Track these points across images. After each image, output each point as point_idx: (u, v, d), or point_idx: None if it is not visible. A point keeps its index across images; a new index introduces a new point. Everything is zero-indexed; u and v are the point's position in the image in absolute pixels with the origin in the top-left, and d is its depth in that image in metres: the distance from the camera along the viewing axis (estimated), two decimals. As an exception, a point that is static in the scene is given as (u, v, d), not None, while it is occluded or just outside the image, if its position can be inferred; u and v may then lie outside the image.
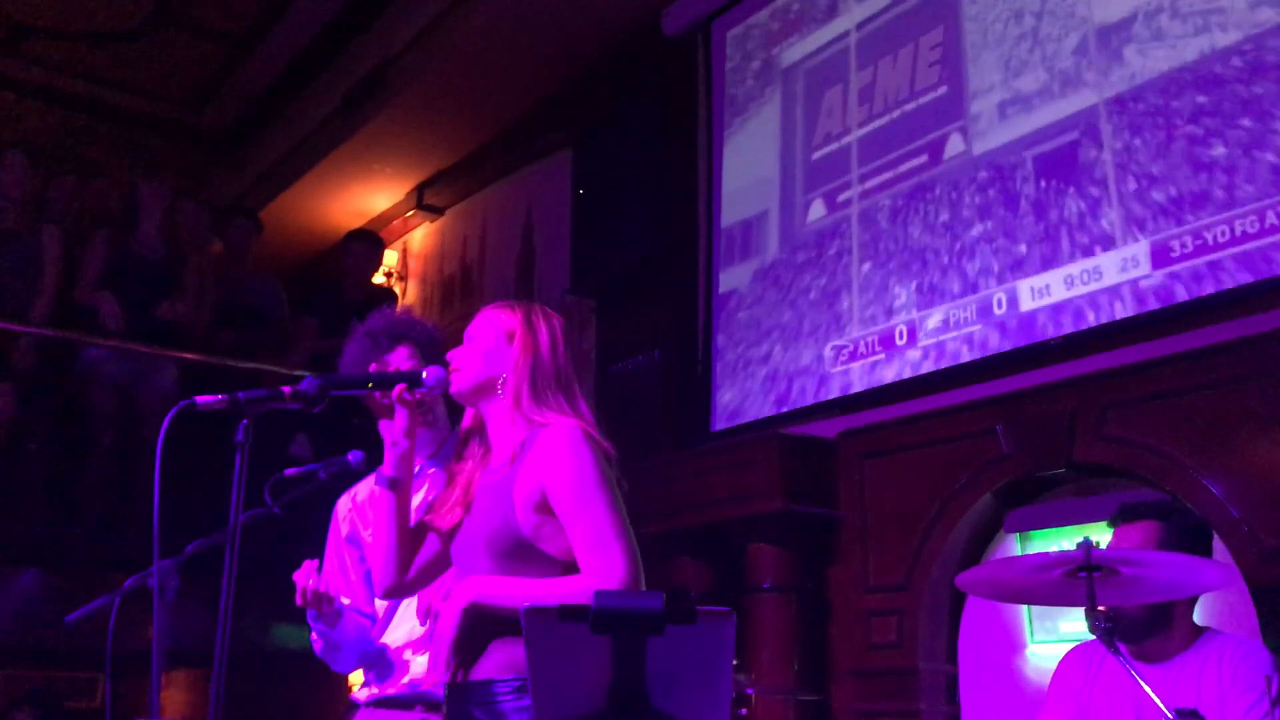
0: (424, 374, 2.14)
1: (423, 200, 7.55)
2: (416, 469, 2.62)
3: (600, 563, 1.87)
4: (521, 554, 1.95)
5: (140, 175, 5.84)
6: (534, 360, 2.07)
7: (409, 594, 2.34)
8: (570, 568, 1.93)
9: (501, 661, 1.89)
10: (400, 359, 2.58)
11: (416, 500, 2.46)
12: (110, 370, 5.30)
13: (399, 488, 2.13)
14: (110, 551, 4.70)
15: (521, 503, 1.97)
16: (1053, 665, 2.75)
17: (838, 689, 4.11)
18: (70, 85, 7.67)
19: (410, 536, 2.16)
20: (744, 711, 3.37)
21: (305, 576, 2.38)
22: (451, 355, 2.15)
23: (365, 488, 2.69)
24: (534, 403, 2.04)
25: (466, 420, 2.19)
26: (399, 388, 2.13)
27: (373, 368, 2.57)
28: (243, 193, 7.88)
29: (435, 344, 2.61)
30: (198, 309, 5.75)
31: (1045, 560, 2.25)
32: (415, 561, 2.17)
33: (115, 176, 6.84)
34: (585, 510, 1.91)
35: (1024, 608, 3.81)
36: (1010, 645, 3.83)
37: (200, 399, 2.15)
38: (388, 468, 2.14)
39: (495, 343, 2.10)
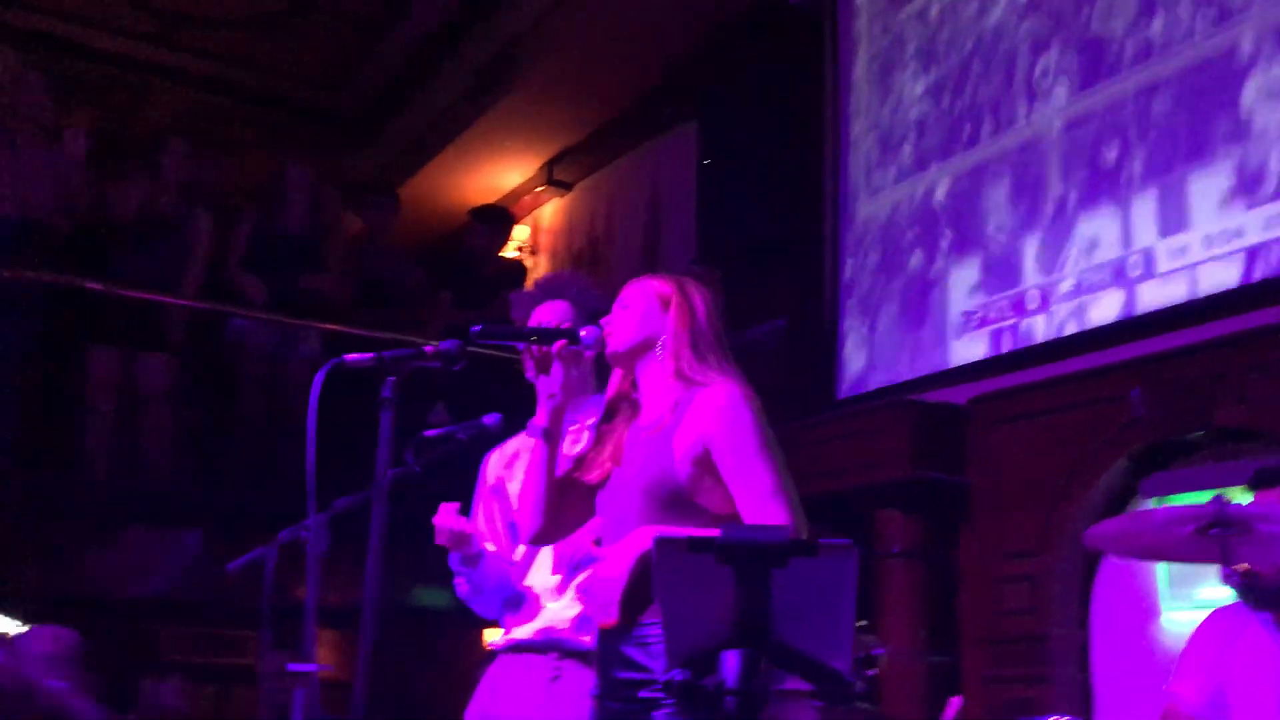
0: (581, 333, 2.23)
1: (552, 176, 7.68)
2: None
3: (765, 519, 1.94)
4: (678, 505, 2.03)
5: (286, 157, 6.08)
6: (692, 323, 2.16)
7: (552, 541, 2.43)
8: (723, 522, 1.97)
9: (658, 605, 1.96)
10: (553, 311, 2.67)
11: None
12: (258, 341, 5.56)
13: (551, 438, 2.21)
14: (262, 512, 4.94)
15: (682, 455, 2.04)
16: (1188, 632, 2.70)
17: (968, 654, 4.09)
18: (215, 70, 8.01)
19: (558, 487, 2.24)
20: (873, 672, 3.40)
21: (445, 517, 2.50)
22: (606, 320, 2.23)
23: (514, 444, 2.79)
24: (696, 362, 2.12)
25: (614, 382, 2.27)
26: (559, 343, 2.21)
27: (531, 320, 2.68)
28: (379, 172, 8.11)
29: (596, 309, 2.72)
30: (339, 285, 5.99)
31: (1177, 514, 2.22)
32: (561, 511, 2.25)
33: (258, 158, 7.15)
34: (750, 468, 1.99)
35: (1159, 573, 3.74)
36: (1144, 612, 3.77)
37: (349, 357, 2.29)
38: (541, 419, 2.22)
39: (650, 308, 2.19)
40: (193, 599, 5.32)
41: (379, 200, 6.60)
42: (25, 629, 4.75)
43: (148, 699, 4.74)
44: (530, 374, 2.39)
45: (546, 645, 2.55)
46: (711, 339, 2.17)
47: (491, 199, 7.77)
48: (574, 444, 2.55)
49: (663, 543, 1.30)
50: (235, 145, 7.64)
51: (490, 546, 2.68)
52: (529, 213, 8.00)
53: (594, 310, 2.73)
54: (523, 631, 2.60)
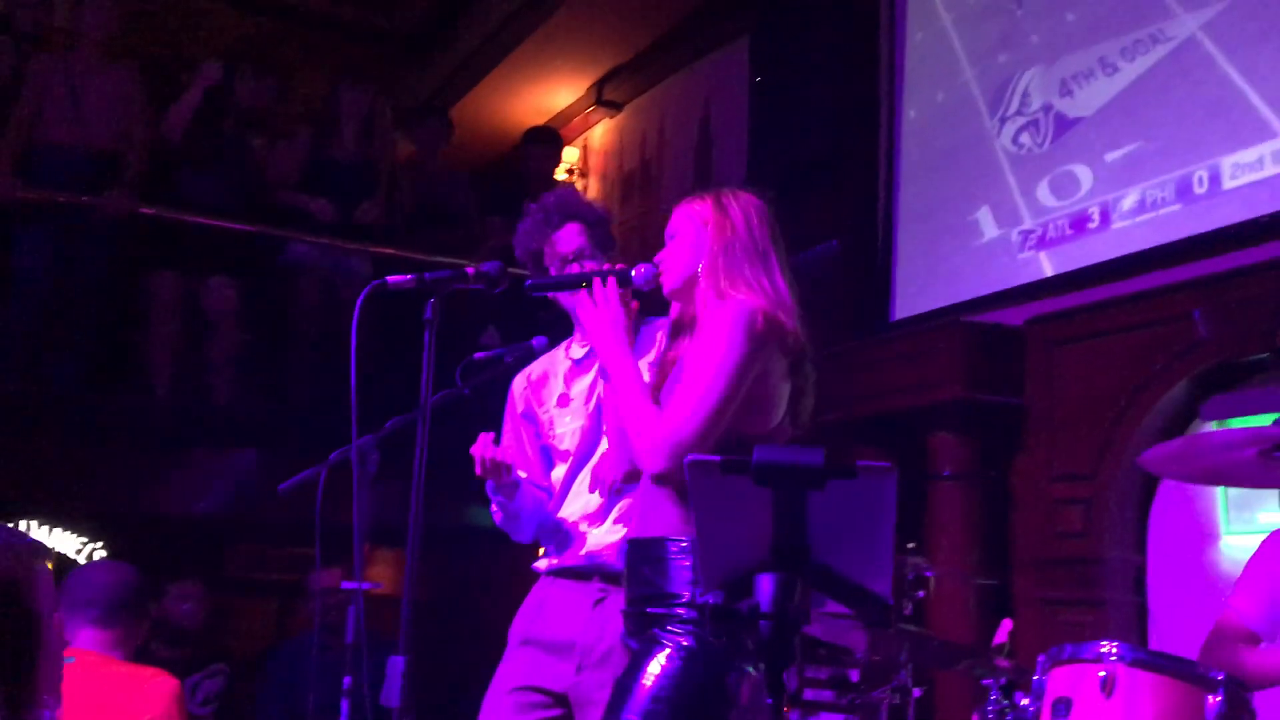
0: (633, 273, 2.21)
1: (602, 96, 7.57)
2: (585, 350, 2.72)
3: (673, 414, 1.95)
4: None
5: (340, 80, 6.06)
6: (728, 239, 2.12)
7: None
8: (752, 442, 1.95)
9: (676, 521, 1.96)
10: (571, 236, 2.66)
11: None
12: (314, 263, 5.60)
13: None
14: (318, 432, 4.99)
15: None
16: (1247, 558, 2.66)
17: (1020, 577, 4.07)
18: (265, -6, 7.98)
19: None
20: (921, 594, 3.38)
21: (483, 448, 2.50)
22: (659, 257, 2.20)
23: (539, 367, 2.80)
24: (729, 279, 2.09)
25: (674, 312, 2.25)
26: (611, 283, 2.20)
27: (546, 252, 2.65)
28: (431, 94, 8.06)
29: (604, 223, 2.69)
30: (391, 211, 5.98)
31: (1238, 437, 2.16)
32: None
33: (310, 79, 7.13)
34: (695, 367, 1.98)
35: (1219, 497, 3.68)
36: (1203, 536, 3.72)
37: (391, 279, 2.29)
38: (603, 361, 2.21)
39: (694, 234, 2.16)
40: (250, 518, 5.43)
41: (431, 122, 6.56)
42: (88, 561, 4.88)
43: (168, 609, 4.84)
44: (582, 310, 2.38)
45: (590, 570, 2.56)
46: (746, 249, 2.12)
47: (541, 120, 7.69)
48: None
49: (696, 464, 1.29)
50: (287, 68, 7.62)
51: (523, 474, 2.68)
52: (579, 134, 7.92)
53: (602, 223, 2.71)
54: (566, 558, 2.61)
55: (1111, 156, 4.07)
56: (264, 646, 5.60)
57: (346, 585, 3.00)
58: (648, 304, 2.45)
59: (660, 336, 2.26)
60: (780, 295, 2.09)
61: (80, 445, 5.07)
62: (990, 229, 4.53)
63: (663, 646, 1.91)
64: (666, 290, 2.18)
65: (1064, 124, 4.30)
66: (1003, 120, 4.55)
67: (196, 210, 5.40)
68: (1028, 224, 4.37)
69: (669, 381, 2.10)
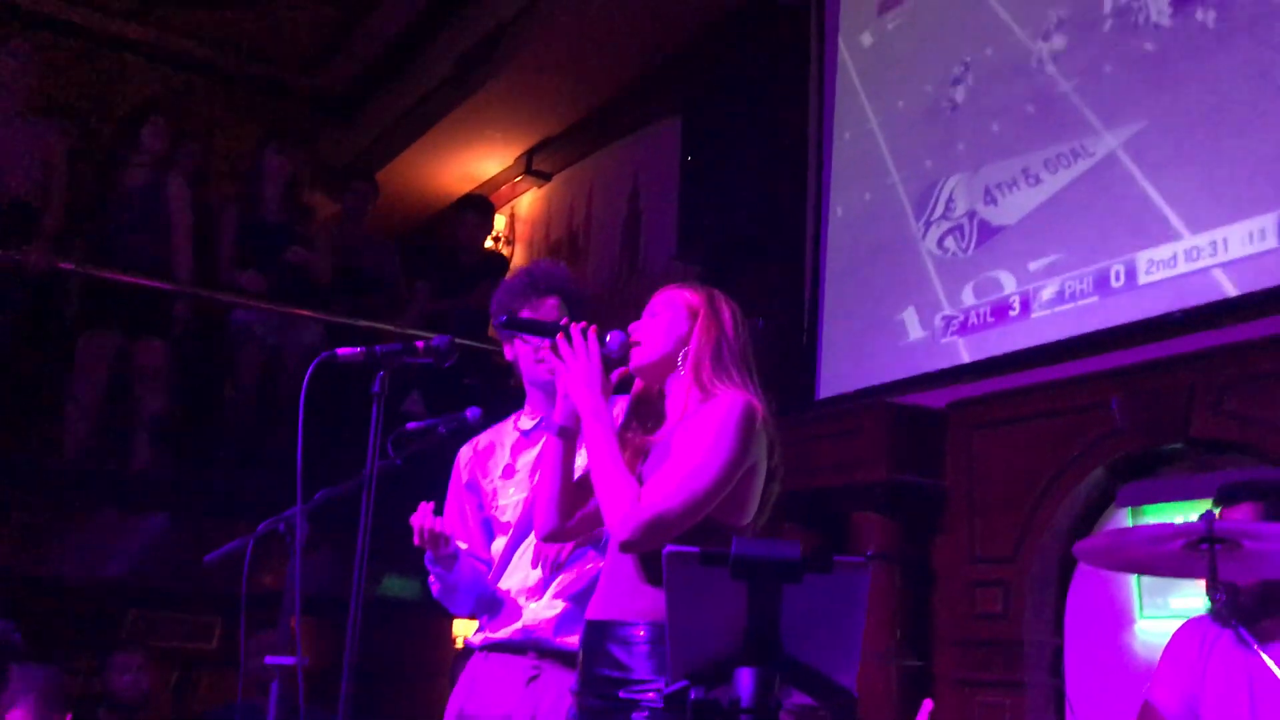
0: (608, 337, 2.20)
1: (531, 166, 7.65)
2: (534, 423, 2.72)
3: (659, 489, 1.93)
4: None
5: (265, 143, 6.01)
6: (718, 336, 2.14)
7: (568, 540, 2.42)
8: (726, 533, 1.92)
9: (647, 607, 1.96)
10: (550, 308, 2.67)
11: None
12: (258, 330, 5.53)
13: (569, 436, 2.20)
14: (239, 499, 4.90)
15: None
16: (1162, 641, 2.73)
17: (940, 657, 4.12)
18: (193, 49, 7.92)
19: (574, 487, 2.23)
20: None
21: (422, 517, 2.48)
22: (634, 327, 2.20)
23: (486, 438, 2.79)
24: (714, 374, 2.11)
25: (637, 388, 2.25)
26: (593, 336, 2.18)
27: (524, 312, 2.65)
28: (357, 156, 8.06)
29: (585, 305, 2.70)
30: (322, 264, 5.95)
31: (1166, 531, 2.24)
32: (576, 511, 2.23)
33: (235, 137, 7.08)
34: (690, 449, 1.97)
35: (1134, 582, 3.77)
36: (1119, 619, 3.80)
37: (340, 351, 2.26)
38: (559, 417, 2.21)
39: (678, 318, 2.17)
40: (157, 584, 5.27)
41: (356, 185, 6.54)
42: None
43: (110, 681, 4.69)
44: (534, 371, 2.36)
45: (525, 645, 2.54)
46: (737, 352, 2.15)
47: (469, 187, 7.74)
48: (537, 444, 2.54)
49: (674, 556, 1.29)
50: (209, 125, 7.56)
51: (463, 545, 2.66)
52: (507, 202, 7.96)
53: (579, 301, 2.73)
54: (501, 631, 2.59)
55: (1034, 265, 4.21)
56: (161, 718, 5.40)
57: (271, 660, 2.92)
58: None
59: (618, 413, 2.26)
60: (760, 396, 2.12)
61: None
62: (915, 330, 4.63)
63: None
64: (636, 364, 2.18)
65: (987, 231, 4.44)
66: (928, 224, 4.69)
67: (123, 269, 5.29)
68: (951, 309, 4.49)
69: (649, 461, 2.10)
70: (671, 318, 2.17)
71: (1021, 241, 4.30)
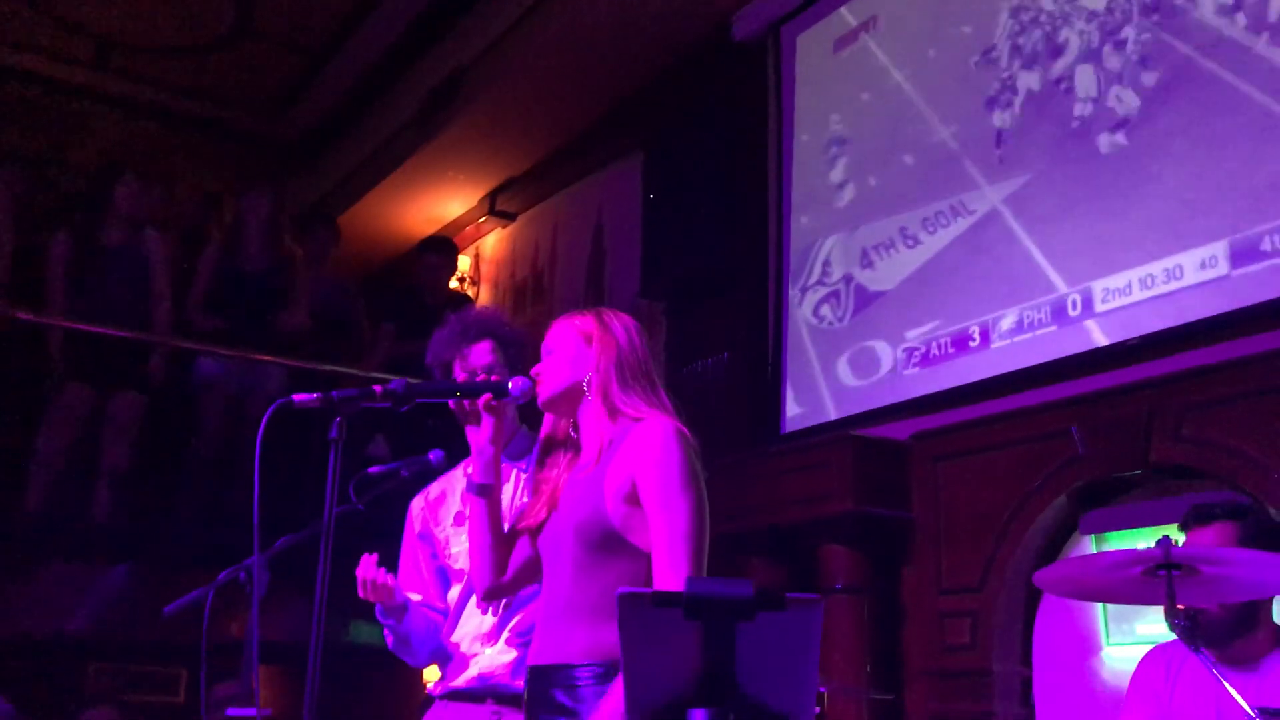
0: (509, 384, 2.20)
1: (495, 206, 7.66)
2: None
3: (666, 564, 1.93)
4: (609, 545, 2.00)
5: (245, 188, 5.99)
6: (616, 355, 2.13)
7: (508, 595, 2.40)
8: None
9: (585, 646, 1.95)
10: (483, 352, 2.66)
11: (506, 499, 2.52)
12: (222, 380, 5.49)
13: (489, 493, 2.19)
14: (199, 549, 4.84)
15: (612, 494, 2.02)
16: (1129, 668, 2.73)
17: (911, 690, 4.11)
18: (153, 97, 7.90)
19: (504, 540, 2.22)
20: (816, 709, 3.39)
21: (366, 569, 2.46)
22: (536, 369, 2.19)
23: (438, 486, 2.78)
24: (622, 394, 2.10)
25: (546, 425, 2.24)
26: (485, 396, 2.19)
27: (457, 364, 2.64)
28: (320, 200, 8.05)
29: (518, 344, 2.69)
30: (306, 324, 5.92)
31: (1123, 558, 2.24)
32: (511, 564, 2.22)
33: (196, 184, 7.05)
34: (667, 509, 1.96)
35: (1100, 610, 3.79)
36: (1085, 647, 3.81)
37: (297, 397, 2.24)
38: (476, 475, 2.20)
39: (575, 348, 2.15)
40: (119, 636, 5.20)
41: (318, 228, 6.52)
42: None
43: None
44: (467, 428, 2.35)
45: (483, 693, 2.53)
46: (636, 367, 2.13)
47: (432, 228, 7.73)
48: (524, 494, 2.53)
49: (627, 597, 1.29)
50: (171, 172, 7.53)
51: (415, 596, 2.64)
52: (471, 242, 7.97)
53: (516, 345, 2.72)
54: (458, 680, 2.57)
55: (990, 278, 4.26)
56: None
57: (233, 713, 2.89)
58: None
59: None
60: (669, 408, 2.12)
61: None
62: (878, 345, 4.67)
63: None
64: (543, 401, 2.17)
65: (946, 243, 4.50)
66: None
67: (91, 320, 5.23)
68: (913, 341, 4.53)
69: (578, 494, 2.09)
70: (567, 348, 2.16)
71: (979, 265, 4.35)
